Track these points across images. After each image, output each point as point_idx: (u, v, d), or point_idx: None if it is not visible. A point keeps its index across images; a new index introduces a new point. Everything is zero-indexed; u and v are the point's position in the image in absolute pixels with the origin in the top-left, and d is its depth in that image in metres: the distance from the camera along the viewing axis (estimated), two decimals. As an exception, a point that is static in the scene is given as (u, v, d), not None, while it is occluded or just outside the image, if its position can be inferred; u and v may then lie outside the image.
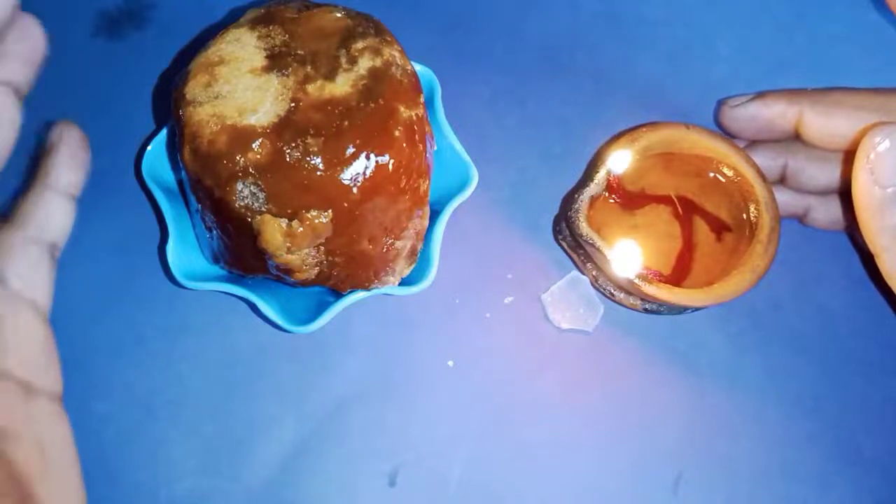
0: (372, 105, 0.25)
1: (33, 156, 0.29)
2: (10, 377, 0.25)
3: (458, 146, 0.32)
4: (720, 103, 0.34)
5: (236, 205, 0.25)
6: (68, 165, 0.29)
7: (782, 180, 0.34)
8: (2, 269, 0.27)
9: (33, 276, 0.27)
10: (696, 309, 0.32)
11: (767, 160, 0.33)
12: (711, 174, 0.33)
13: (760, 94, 0.33)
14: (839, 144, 0.32)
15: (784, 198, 0.34)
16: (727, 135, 0.34)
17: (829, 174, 0.32)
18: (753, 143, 0.34)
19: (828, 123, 0.31)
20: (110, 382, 0.32)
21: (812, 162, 0.33)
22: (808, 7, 0.39)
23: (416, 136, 0.27)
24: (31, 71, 0.28)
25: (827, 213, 0.34)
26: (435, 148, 0.30)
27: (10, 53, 0.27)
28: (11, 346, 0.26)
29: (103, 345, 0.33)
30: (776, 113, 0.32)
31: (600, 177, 0.32)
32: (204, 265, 0.31)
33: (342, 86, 0.26)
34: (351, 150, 0.25)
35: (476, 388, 0.33)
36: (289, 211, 0.25)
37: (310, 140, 0.24)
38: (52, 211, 0.28)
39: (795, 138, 0.33)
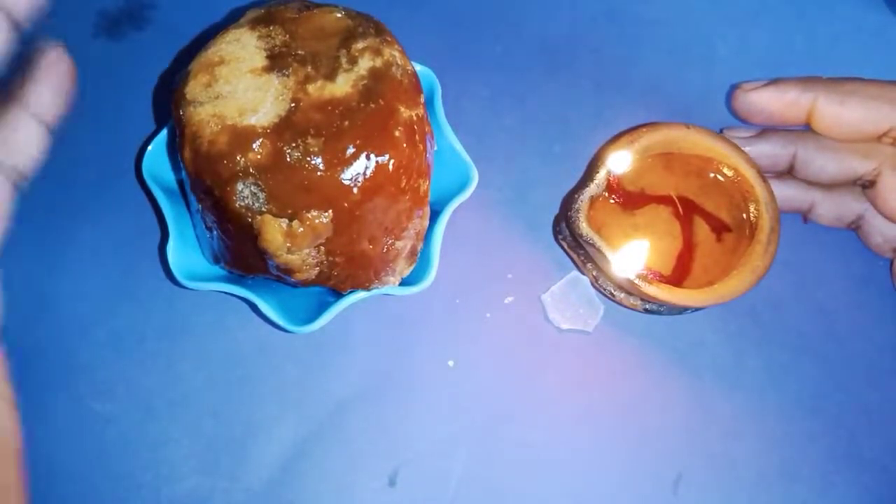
0: (372, 105, 0.25)
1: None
2: None
3: (458, 146, 0.32)
4: (733, 87, 0.34)
5: (236, 205, 0.25)
6: (49, 90, 0.26)
7: (790, 170, 0.34)
8: None
9: None
10: (696, 309, 0.32)
11: (777, 149, 0.33)
12: (711, 174, 0.33)
13: (775, 80, 0.33)
14: (851, 134, 0.31)
15: (789, 192, 0.34)
16: (738, 120, 0.34)
17: (837, 165, 0.32)
18: (764, 131, 0.34)
19: (841, 112, 0.31)
20: (111, 383, 0.32)
21: (821, 152, 0.32)
22: (808, 7, 0.39)
23: (417, 137, 0.27)
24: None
25: (831, 208, 0.34)
26: (435, 148, 0.30)
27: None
28: None
29: (103, 345, 0.33)
30: (790, 99, 0.32)
31: (600, 177, 0.32)
32: (204, 265, 0.31)
33: (342, 86, 0.26)
34: (351, 150, 0.25)
35: (476, 388, 0.33)
36: (289, 211, 0.25)
37: (310, 140, 0.24)
38: (22, 132, 0.26)
39: (806, 128, 0.33)
